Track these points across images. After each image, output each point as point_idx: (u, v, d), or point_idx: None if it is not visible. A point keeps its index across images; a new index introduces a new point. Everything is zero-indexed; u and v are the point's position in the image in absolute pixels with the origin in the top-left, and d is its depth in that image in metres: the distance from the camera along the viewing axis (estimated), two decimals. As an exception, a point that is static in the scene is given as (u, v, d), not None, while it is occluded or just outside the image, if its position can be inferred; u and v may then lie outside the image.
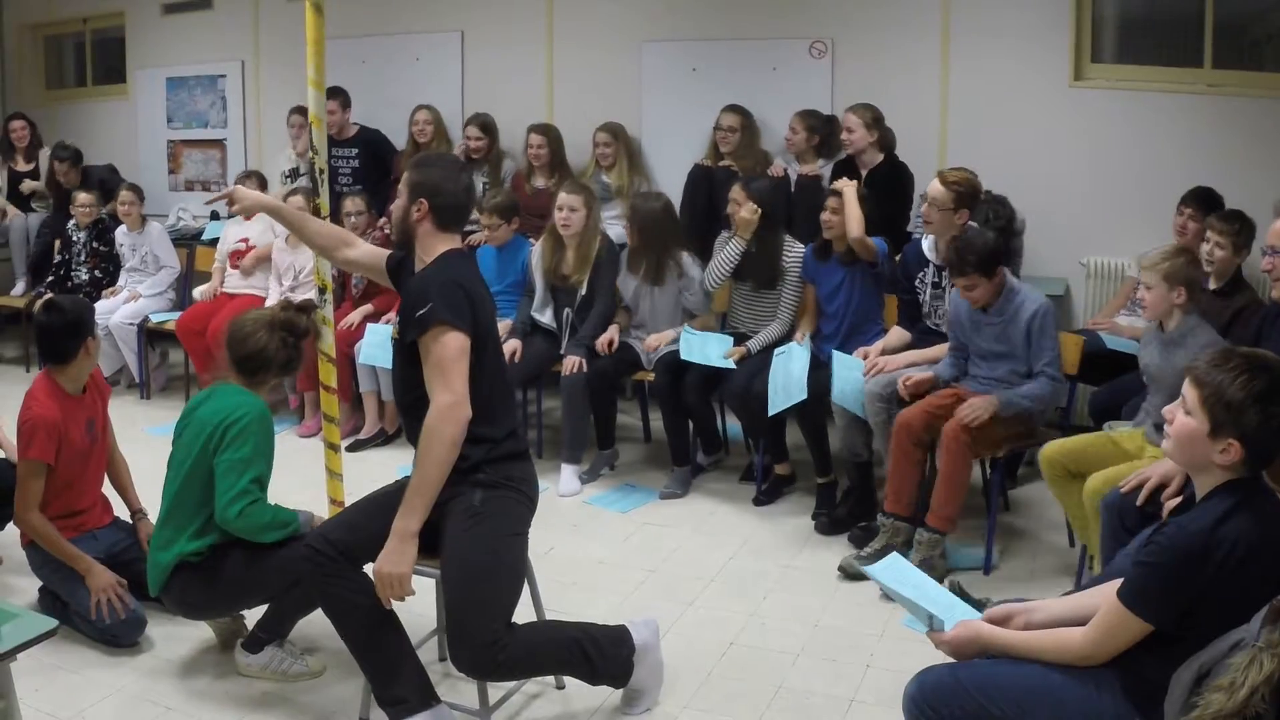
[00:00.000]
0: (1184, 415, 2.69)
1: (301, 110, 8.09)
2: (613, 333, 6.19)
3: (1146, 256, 4.50)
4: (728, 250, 5.95)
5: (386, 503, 3.61)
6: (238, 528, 3.92)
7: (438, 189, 3.63)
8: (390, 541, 3.45)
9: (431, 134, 7.82)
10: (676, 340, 6.04)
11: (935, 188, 5.28)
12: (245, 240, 7.60)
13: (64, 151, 8.93)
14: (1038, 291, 5.01)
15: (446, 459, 3.45)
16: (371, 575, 3.54)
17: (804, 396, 5.50)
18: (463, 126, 7.82)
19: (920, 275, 5.50)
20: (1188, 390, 2.68)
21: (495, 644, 3.41)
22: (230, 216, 7.47)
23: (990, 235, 4.94)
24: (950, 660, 2.94)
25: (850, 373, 5.39)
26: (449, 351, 3.44)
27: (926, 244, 5.46)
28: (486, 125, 7.70)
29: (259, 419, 4.01)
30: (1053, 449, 4.65)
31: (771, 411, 5.62)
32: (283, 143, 8.48)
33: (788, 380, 5.58)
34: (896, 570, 3.24)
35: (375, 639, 3.60)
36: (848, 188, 5.64)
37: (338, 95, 7.72)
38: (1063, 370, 5.02)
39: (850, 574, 4.94)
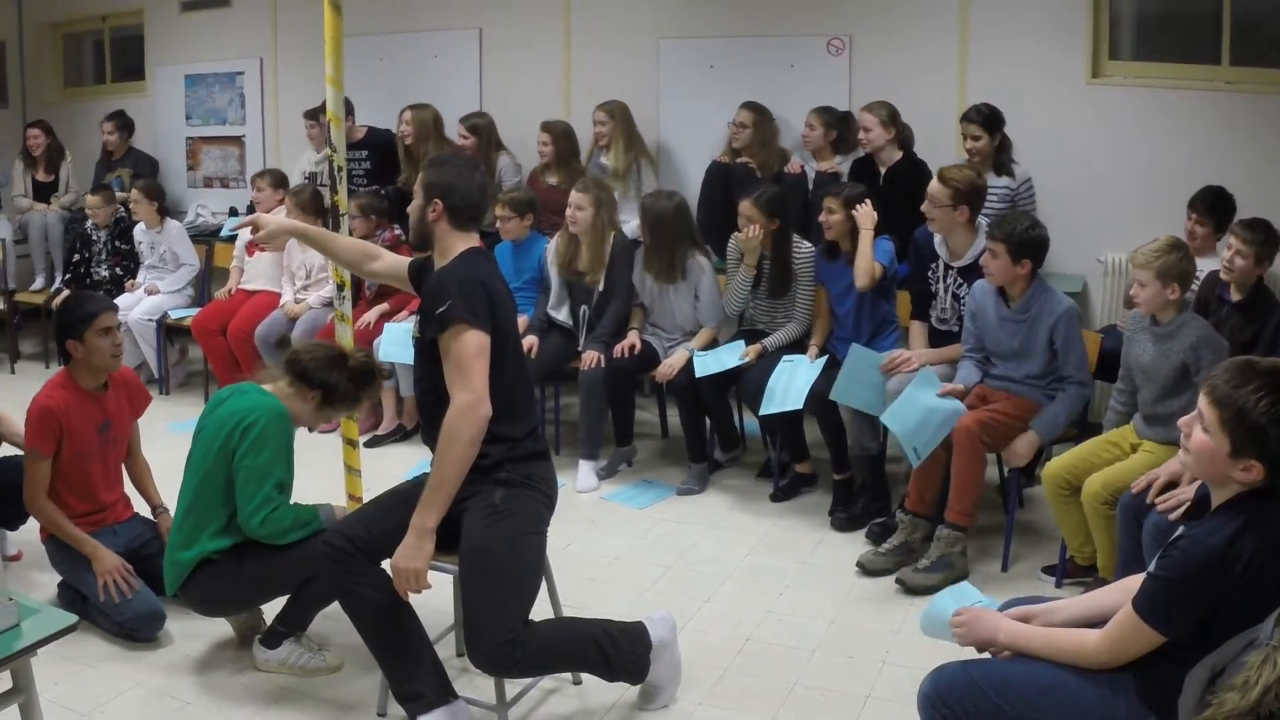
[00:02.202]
0: (1201, 433, 2.64)
1: (311, 114, 8.14)
2: (633, 338, 6.19)
3: (1139, 252, 4.46)
4: (739, 280, 5.97)
5: (404, 499, 3.63)
6: (262, 535, 3.96)
7: (451, 188, 3.63)
8: (408, 537, 3.47)
9: (413, 135, 7.73)
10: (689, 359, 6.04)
11: (934, 185, 5.29)
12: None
13: (118, 118, 9.07)
14: (1063, 294, 4.99)
15: (465, 458, 3.46)
16: (389, 570, 3.57)
17: (799, 407, 5.53)
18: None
19: (933, 266, 5.49)
20: (1206, 409, 2.62)
21: (512, 642, 3.43)
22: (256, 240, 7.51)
23: (1041, 229, 4.90)
24: (963, 656, 2.95)
25: (862, 369, 5.34)
26: (468, 350, 3.44)
27: (937, 240, 5.45)
28: (475, 126, 7.63)
29: (275, 420, 4.02)
30: (1055, 467, 4.65)
31: (762, 412, 5.65)
32: (302, 143, 8.49)
33: (789, 387, 5.60)
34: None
35: (392, 635, 3.62)
36: (864, 234, 5.59)
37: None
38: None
39: (869, 570, 4.95)
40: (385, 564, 3.60)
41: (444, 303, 3.46)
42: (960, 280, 5.32)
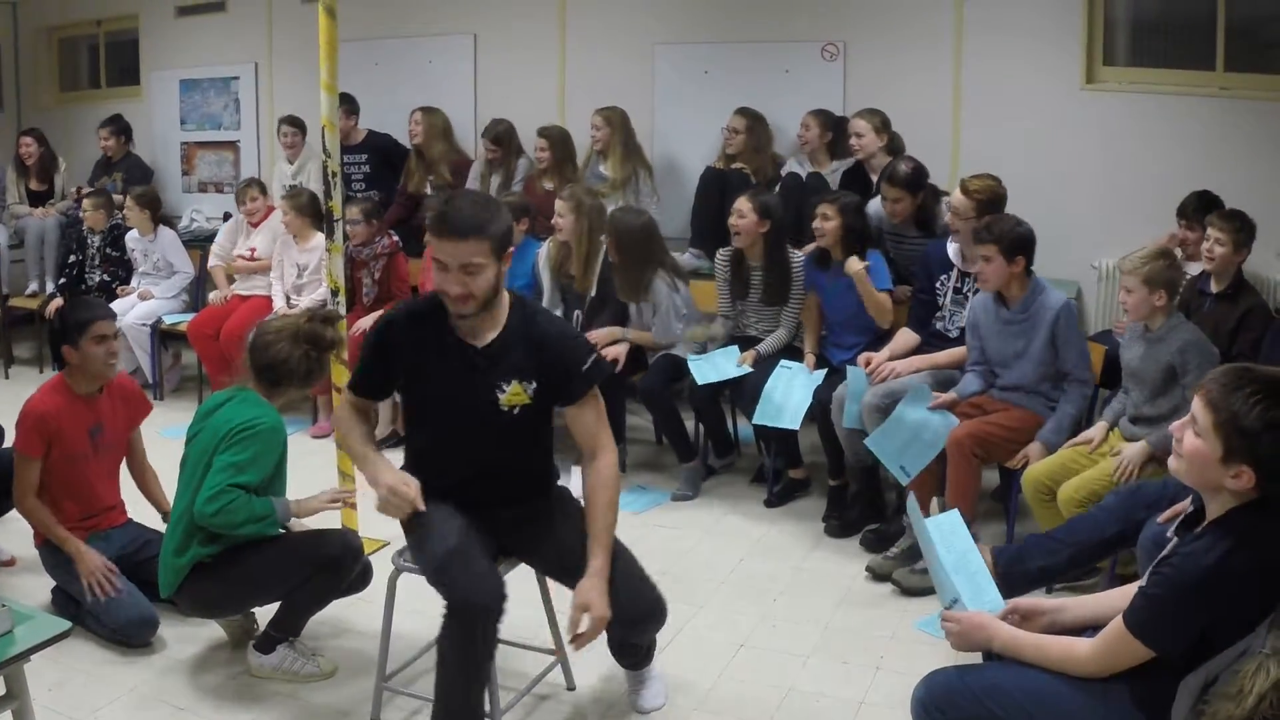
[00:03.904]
0: (1193, 437, 2.62)
1: (291, 120, 8.16)
2: (617, 350, 6.11)
3: (1127, 259, 4.55)
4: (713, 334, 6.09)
5: (474, 534, 3.53)
6: (213, 524, 3.87)
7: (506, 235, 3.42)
8: (597, 583, 3.41)
9: (424, 135, 7.83)
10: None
11: (957, 197, 5.30)
12: (253, 250, 7.65)
13: (113, 123, 9.08)
14: (1059, 291, 5.03)
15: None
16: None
17: (795, 427, 5.57)
18: (480, 138, 7.87)
19: (942, 278, 5.49)
20: (1200, 412, 2.60)
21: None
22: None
23: (1026, 225, 4.92)
24: (958, 661, 2.95)
25: (861, 389, 5.34)
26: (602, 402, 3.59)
27: (953, 249, 5.45)
28: (498, 138, 7.70)
29: (269, 431, 4.01)
30: (1035, 472, 4.66)
31: (755, 420, 5.68)
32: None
33: (785, 402, 5.61)
34: (951, 531, 3.21)
35: (473, 699, 3.49)
36: (863, 286, 5.64)
37: (344, 102, 7.66)
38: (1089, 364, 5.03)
39: (878, 574, 4.95)
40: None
41: (588, 357, 3.54)
42: (977, 287, 5.31)
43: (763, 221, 5.84)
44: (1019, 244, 4.86)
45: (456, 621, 3.33)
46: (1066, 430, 4.85)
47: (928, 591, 4.69)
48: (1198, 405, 2.61)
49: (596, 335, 6.06)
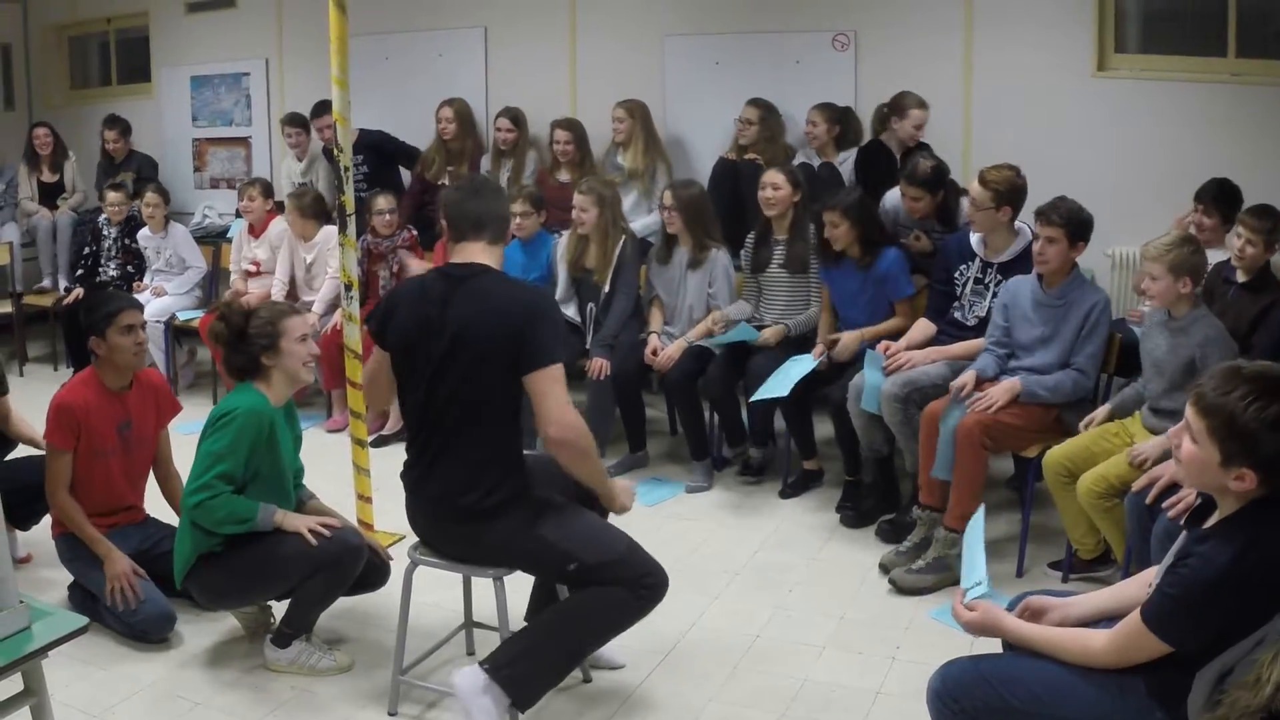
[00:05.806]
0: (1190, 444, 2.60)
1: (292, 120, 8.16)
2: (660, 343, 6.16)
3: (1150, 246, 4.49)
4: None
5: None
6: (194, 518, 3.96)
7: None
8: None
9: (455, 131, 7.84)
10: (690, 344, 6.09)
11: (975, 188, 5.25)
12: (257, 264, 7.68)
13: (115, 123, 9.11)
14: (1100, 289, 5.02)
15: None
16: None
17: (784, 394, 5.53)
18: (494, 119, 7.86)
19: (962, 268, 5.46)
20: (1193, 419, 2.58)
21: None
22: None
23: (1089, 213, 4.87)
24: (973, 651, 2.95)
25: (878, 374, 5.30)
26: None
27: (975, 238, 5.43)
28: (517, 118, 7.74)
29: (247, 415, 4.00)
30: (1055, 454, 4.63)
31: (753, 398, 5.68)
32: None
33: (781, 378, 5.60)
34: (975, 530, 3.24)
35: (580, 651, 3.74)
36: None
37: (325, 110, 7.64)
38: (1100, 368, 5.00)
39: (891, 568, 4.91)
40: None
41: None
42: (999, 277, 5.28)
43: (795, 191, 5.89)
44: (1084, 229, 4.84)
45: (650, 594, 3.61)
46: (1042, 395, 4.82)
47: (923, 591, 4.69)
48: (1190, 413, 2.59)
49: (671, 352, 6.08)
